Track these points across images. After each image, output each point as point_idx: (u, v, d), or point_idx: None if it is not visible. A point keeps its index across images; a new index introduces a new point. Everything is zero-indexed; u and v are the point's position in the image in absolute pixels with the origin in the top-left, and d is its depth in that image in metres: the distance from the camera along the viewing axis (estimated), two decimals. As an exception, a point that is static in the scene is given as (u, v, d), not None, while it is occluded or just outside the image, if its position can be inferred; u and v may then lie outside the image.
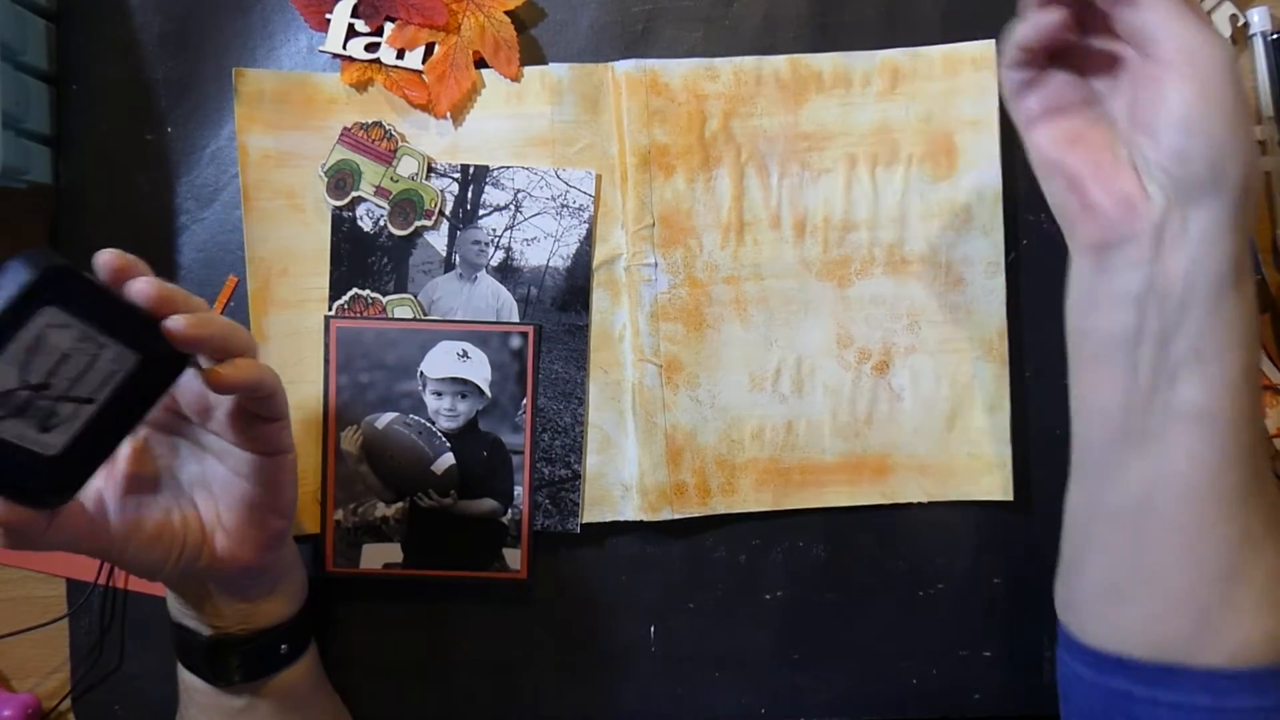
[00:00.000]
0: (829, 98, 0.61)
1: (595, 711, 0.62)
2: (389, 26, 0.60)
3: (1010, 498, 0.61)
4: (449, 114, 0.60)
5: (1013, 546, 0.62)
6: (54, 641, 0.62)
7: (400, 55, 0.60)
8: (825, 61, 0.60)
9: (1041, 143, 0.49)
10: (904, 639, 0.62)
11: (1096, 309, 0.48)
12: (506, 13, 0.60)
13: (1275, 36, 0.62)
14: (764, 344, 0.61)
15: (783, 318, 0.61)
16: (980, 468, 0.61)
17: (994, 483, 0.61)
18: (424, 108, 0.60)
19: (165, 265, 0.61)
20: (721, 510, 0.61)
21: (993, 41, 0.59)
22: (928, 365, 0.61)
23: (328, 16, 0.60)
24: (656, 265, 0.61)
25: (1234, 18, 0.62)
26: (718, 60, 0.60)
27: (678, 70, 0.60)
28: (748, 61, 0.60)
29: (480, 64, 0.61)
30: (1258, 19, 0.62)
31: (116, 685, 0.62)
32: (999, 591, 0.62)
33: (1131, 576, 0.47)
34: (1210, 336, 0.44)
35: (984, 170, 0.60)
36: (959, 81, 0.60)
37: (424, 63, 0.60)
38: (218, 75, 0.61)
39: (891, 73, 0.60)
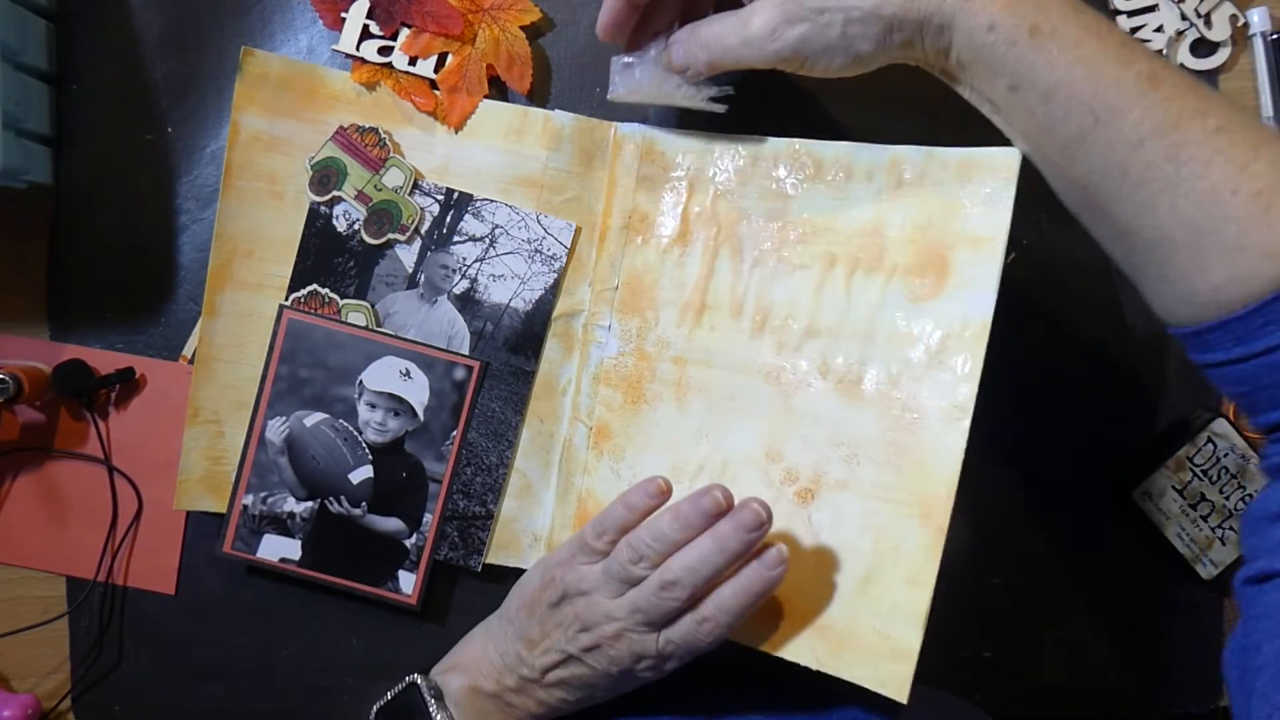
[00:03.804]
0: (825, 185, 0.56)
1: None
2: (404, 33, 0.60)
3: (904, 700, 0.51)
4: (456, 127, 0.60)
5: (1013, 547, 0.61)
6: (54, 641, 0.63)
7: (413, 63, 0.60)
8: (829, 149, 0.55)
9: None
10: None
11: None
12: (521, 28, 0.60)
13: (1275, 36, 0.61)
14: (695, 435, 0.58)
15: (720, 413, 0.58)
16: (883, 651, 0.52)
17: (892, 674, 0.51)
18: (431, 113, 0.60)
19: (165, 265, 0.62)
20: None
21: (1018, 152, 0.50)
22: (855, 508, 0.54)
23: (343, 15, 0.59)
24: (610, 328, 0.60)
25: (1234, 18, 0.61)
26: (719, 140, 0.58)
27: (677, 144, 0.59)
28: (748, 145, 0.57)
29: (490, 83, 0.60)
30: (1258, 19, 0.61)
31: (116, 685, 0.63)
32: (999, 591, 0.61)
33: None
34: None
35: (975, 297, 0.50)
36: (970, 190, 0.51)
37: (436, 72, 0.60)
38: (218, 75, 0.61)
39: (898, 171, 0.54)
